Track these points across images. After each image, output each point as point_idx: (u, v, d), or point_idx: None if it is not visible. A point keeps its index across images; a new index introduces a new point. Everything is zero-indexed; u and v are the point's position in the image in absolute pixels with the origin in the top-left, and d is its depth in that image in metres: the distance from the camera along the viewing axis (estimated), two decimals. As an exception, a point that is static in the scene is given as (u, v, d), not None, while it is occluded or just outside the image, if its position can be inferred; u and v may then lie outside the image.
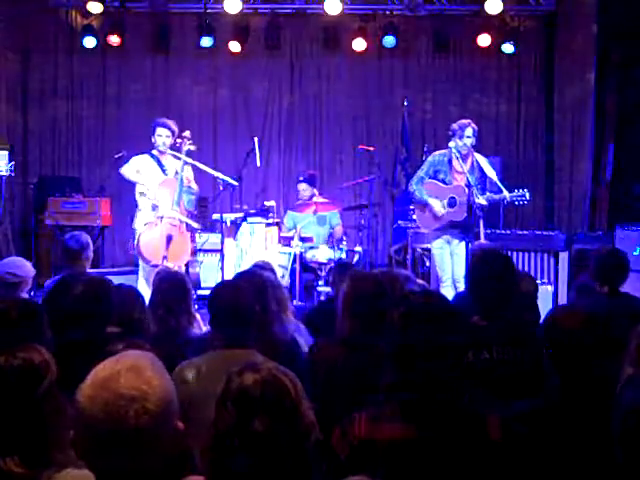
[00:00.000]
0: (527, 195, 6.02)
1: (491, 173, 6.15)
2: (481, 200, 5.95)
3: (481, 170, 6.13)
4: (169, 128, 6.40)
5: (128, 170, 6.39)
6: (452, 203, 6.22)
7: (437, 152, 6.57)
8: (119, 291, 3.51)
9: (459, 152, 6.16)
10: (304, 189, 7.79)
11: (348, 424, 2.09)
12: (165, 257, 6.04)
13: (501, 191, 6.05)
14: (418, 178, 6.44)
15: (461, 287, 6.08)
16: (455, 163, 6.26)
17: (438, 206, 6.24)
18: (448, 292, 5.95)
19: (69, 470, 1.72)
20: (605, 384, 2.41)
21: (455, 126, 6.26)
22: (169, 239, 6.11)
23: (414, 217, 6.82)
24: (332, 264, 6.86)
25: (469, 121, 6.28)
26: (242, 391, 1.75)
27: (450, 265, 6.29)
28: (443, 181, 6.30)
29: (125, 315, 3.37)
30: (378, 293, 3.01)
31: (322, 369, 2.96)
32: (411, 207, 7.44)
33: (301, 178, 7.98)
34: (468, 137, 6.16)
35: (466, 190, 6.12)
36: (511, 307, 3.16)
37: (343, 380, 2.85)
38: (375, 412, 2.10)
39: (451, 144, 6.16)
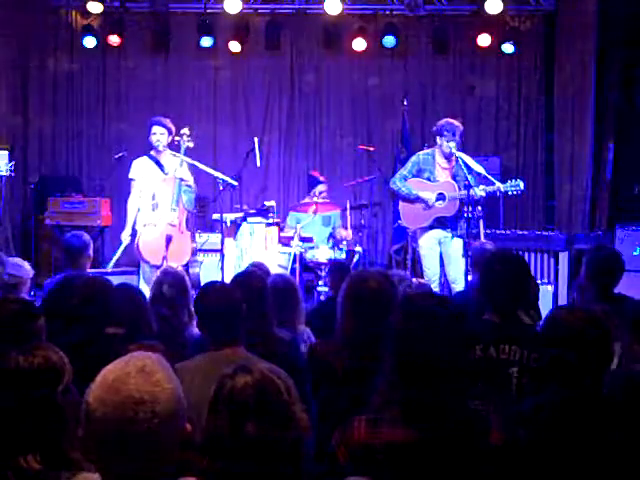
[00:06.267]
0: (521, 185, 6.03)
1: (479, 168, 6.15)
2: (479, 192, 5.95)
3: (467, 167, 6.08)
4: (164, 126, 6.43)
5: (133, 175, 6.53)
6: (440, 199, 6.24)
7: (421, 152, 6.60)
8: (121, 291, 3.50)
9: (442, 151, 6.20)
10: (325, 190, 7.80)
11: (348, 427, 2.08)
12: (165, 257, 6.05)
13: (494, 183, 6.07)
14: (401, 176, 6.45)
15: (457, 287, 6.08)
16: (439, 160, 6.29)
17: (429, 195, 6.24)
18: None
19: (85, 474, 1.71)
20: (605, 385, 2.41)
21: (446, 125, 6.24)
22: (169, 240, 6.12)
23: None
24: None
25: (459, 123, 6.30)
26: (234, 394, 1.75)
27: (437, 266, 6.29)
28: (428, 179, 6.31)
29: (128, 315, 3.36)
30: (378, 293, 3.00)
31: (322, 369, 2.96)
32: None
33: (322, 178, 8.00)
34: (459, 137, 6.21)
35: (455, 185, 6.15)
36: (523, 305, 3.19)
37: (343, 380, 2.85)
38: (375, 416, 2.09)
39: (450, 145, 6.17)
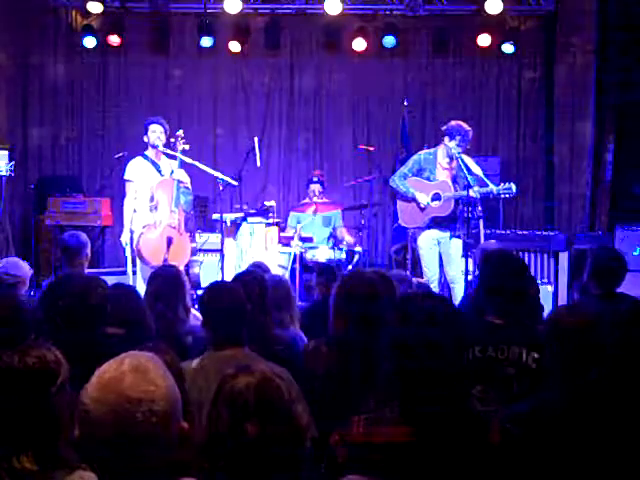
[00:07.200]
0: (513, 188, 6.04)
1: (477, 170, 6.15)
2: (473, 193, 5.94)
3: (467, 168, 6.07)
4: (162, 125, 6.41)
5: (130, 176, 6.44)
6: (436, 198, 6.24)
7: (422, 151, 6.62)
8: (119, 291, 3.49)
9: (447, 151, 6.20)
10: (318, 189, 7.75)
11: (347, 426, 2.08)
12: (165, 259, 6.03)
13: (487, 185, 6.08)
14: (401, 174, 6.47)
15: (457, 287, 6.08)
16: (441, 160, 6.29)
17: (423, 198, 6.26)
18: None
19: (81, 472, 1.70)
20: (605, 386, 2.41)
21: (457, 127, 6.21)
22: (169, 241, 6.11)
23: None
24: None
25: (469, 127, 6.28)
26: (235, 394, 1.74)
27: (437, 266, 6.30)
28: (427, 179, 6.32)
29: (126, 315, 3.35)
30: (371, 294, 2.99)
31: (316, 370, 2.95)
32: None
33: (315, 179, 7.97)
34: (469, 141, 6.20)
35: (451, 185, 6.16)
36: (524, 307, 3.18)
37: (337, 380, 2.84)
38: (374, 415, 2.09)
39: (451, 144, 6.15)
